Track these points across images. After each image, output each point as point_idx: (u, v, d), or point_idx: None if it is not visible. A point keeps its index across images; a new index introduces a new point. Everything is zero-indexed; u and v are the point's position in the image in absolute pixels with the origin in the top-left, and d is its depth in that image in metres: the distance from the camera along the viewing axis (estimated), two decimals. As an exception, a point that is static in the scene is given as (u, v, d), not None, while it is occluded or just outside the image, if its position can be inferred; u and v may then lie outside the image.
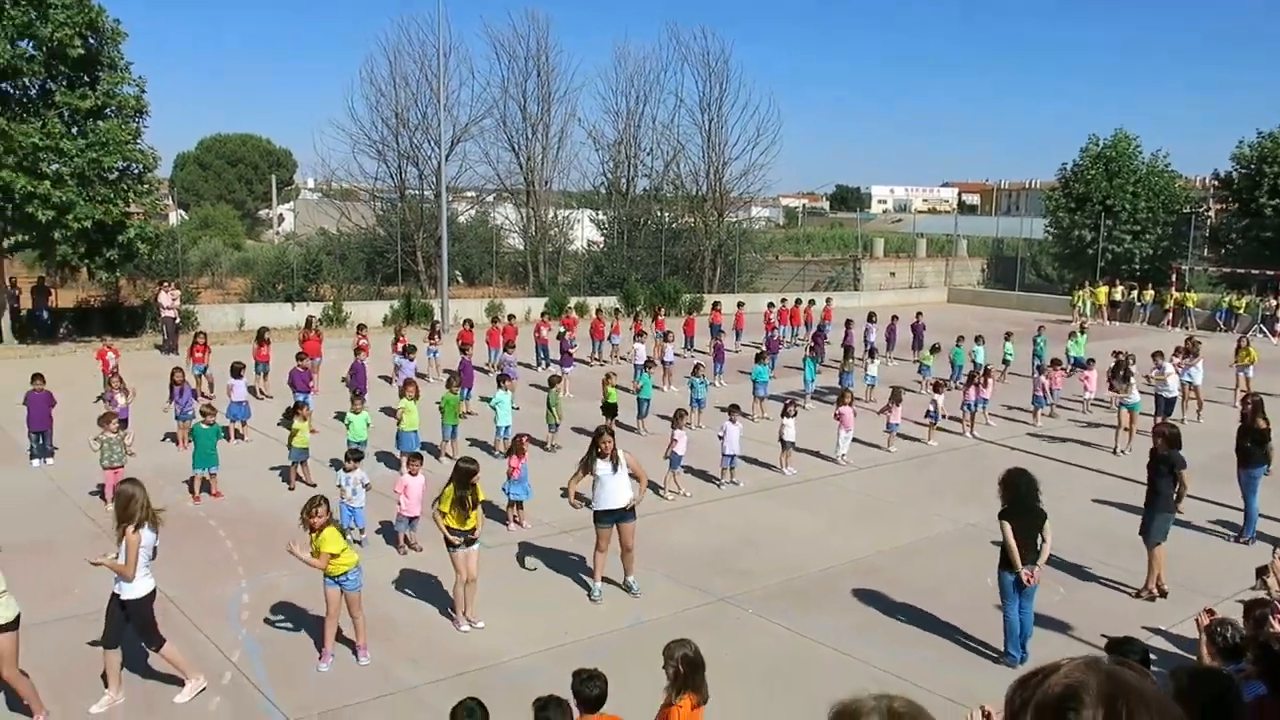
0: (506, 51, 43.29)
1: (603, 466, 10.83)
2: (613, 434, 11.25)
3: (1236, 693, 4.32)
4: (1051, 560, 12.18)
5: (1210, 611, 7.40)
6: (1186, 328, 36.93)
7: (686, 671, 6.05)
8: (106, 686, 8.37)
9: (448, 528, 10.01)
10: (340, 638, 9.38)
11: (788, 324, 31.33)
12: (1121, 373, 19.25)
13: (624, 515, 10.91)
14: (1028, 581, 9.40)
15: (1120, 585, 11.81)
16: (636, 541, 11.14)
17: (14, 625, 7.71)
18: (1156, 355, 19.99)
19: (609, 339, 27.53)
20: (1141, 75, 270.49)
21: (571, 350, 23.65)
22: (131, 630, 8.42)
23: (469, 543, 10.08)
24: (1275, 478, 14.14)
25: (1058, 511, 10.19)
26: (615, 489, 10.83)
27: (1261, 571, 8.64)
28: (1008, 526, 9.41)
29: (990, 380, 20.56)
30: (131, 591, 8.24)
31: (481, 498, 10.29)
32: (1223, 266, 42.17)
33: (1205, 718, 3.95)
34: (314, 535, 8.98)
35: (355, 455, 12.51)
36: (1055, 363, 22.19)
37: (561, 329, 25.30)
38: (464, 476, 10.06)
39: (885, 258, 54.64)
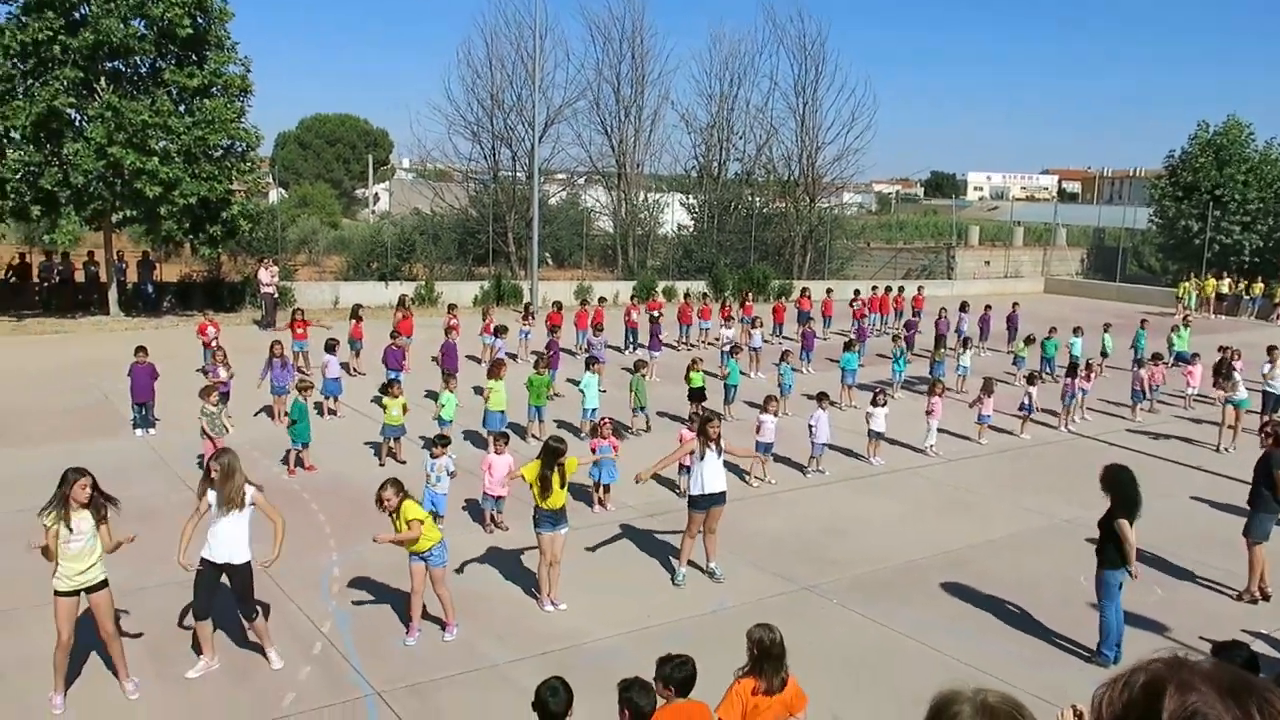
0: (602, 33, 43.46)
1: (710, 451, 10.84)
2: (721, 418, 11.17)
3: None
4: (1148, 559, 11.86)
5: None
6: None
7: (757, 655, 6.05)
8: (200, 654, 8.64)
9: (536, 507, 10.11)
10: (426, 614, 9.55)
11: (877, 312, 30.91)
12: (1225, 369, 18.57)
13: (719, 499, 10.92)
14: (1135, 578, 9.20)
15: (1220, 586, 11.42)
16: (721, 526, 11.14)
17: (105, 585, 8.00)
18: (1272, 349, 19.26)
19: (697, 323, 27.49)
20: (1256, 60, 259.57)
21: (661, 335, 23.67)
22: (231, 597, 8.67)
23: (554, 524, 10.11)
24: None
25: (1155, 510, 9.88)
26: (717, 473, 10.85)
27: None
28: (1125, 524, 9.15)
29: (1091, 373, 19.98)
30: (243, 557, 8.53)
31: (571, 472, 10.33)
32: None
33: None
34: (394, 516, 9.10)
35: (442, 441, 12.58)
36: (1156, 357, 21.49)
37: (654, 313, 25.29)
38: (551, 455, 10.10)
39: (980, 246, 53.42)
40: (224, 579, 8.59)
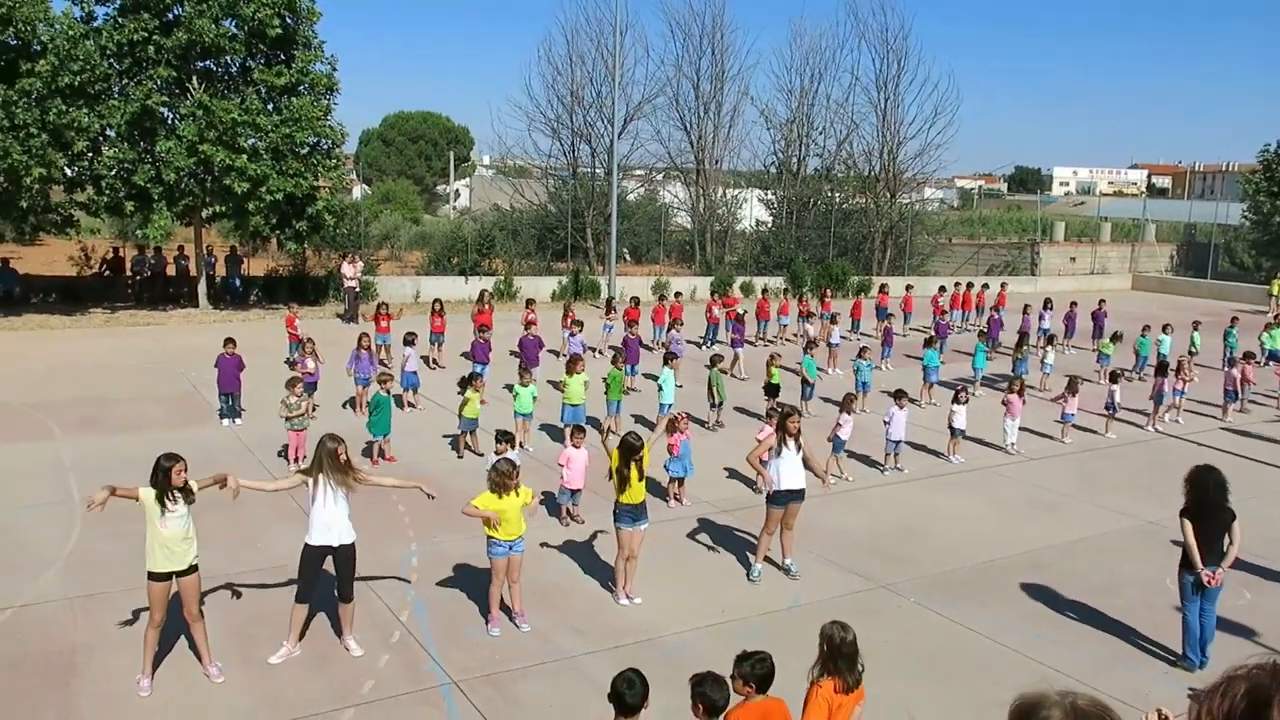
0: (681, 29, 43.49)
1: (789, 446, 10.80)
2: (801, 414, 11.27)
3: None
4: (1238, 563, 11.50)
5: None
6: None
7: (828, 652, 6.00)
8: (285, 640, 8.86)
9: (616, 502, 10.20)
10: (501, 605, 9.66)
11: (959, 308, 30.43)
12: None
13: (798, 496, 10.88)
14: (1208, 583, 8.91)
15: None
16: (798, 523, 11.09)
17: (194, 569, 8.26)
18: None
19: (776, 319, 27.35)
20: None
21: (743, 332, 23.59)
22: (330, 581, 8.92)
23: (634, 519, 10.15)
24: None
25: (1246, 511, 9.58)
26: (795, 469, 10.81)
27: None
28: (1188, 525, 8.94)
29: (1183, 371, 19.38)
30: (352, 536, 8.88)
31: (646, 465, 10.37)
32: None
33: None
34: (515, 493, 9.33)
35: (505, 436, 12.62)
36: (1248, 355, 20.82)
37: (742, 309, 25.22)
38: (628, 452, 10.15)
39: (1065, 242, 52.23)
40: (328, 564, 8.83)
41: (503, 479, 9.23)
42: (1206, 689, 1.50)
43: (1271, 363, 22.07)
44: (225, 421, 16.75)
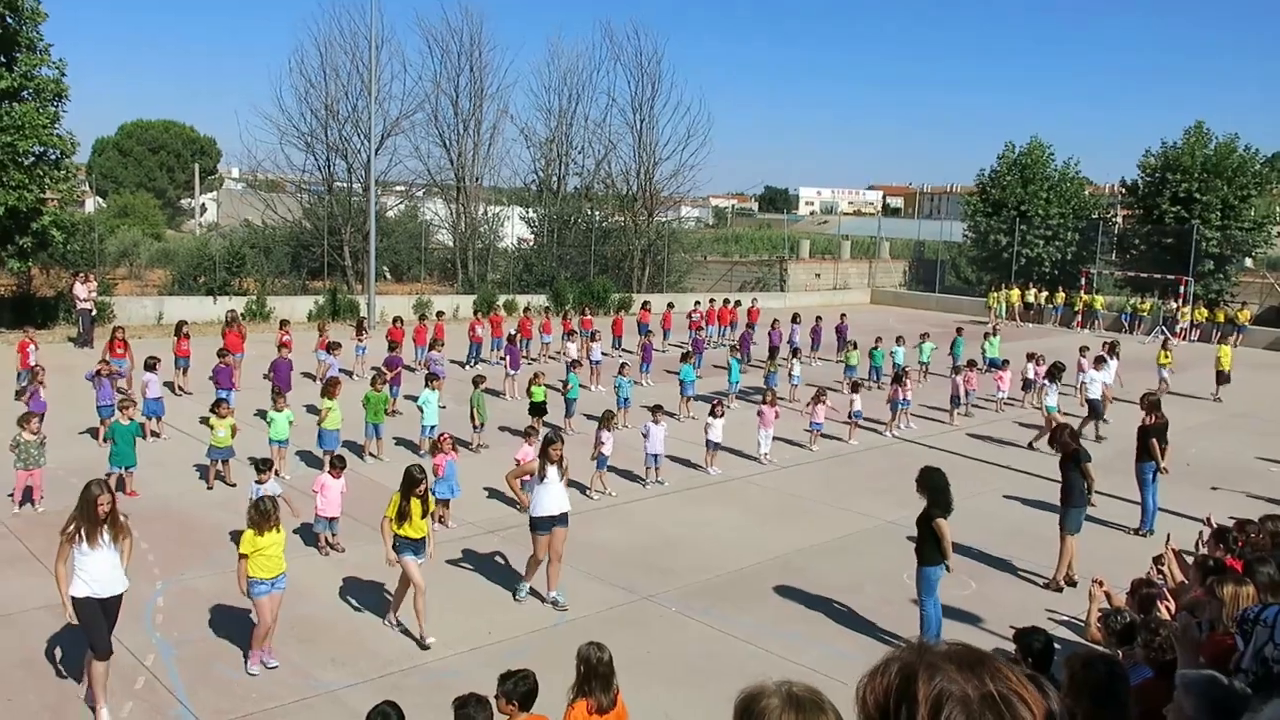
0: (440, 45, 43.02)
1: (551, 473, 10.77)
2: (562, 440, 11.28)
3: (1124, 677, 4.58)
4: (962, 553, 12.58)
5: (1099, 582, 7.76)
6: (1094, 329, 38.27)
7: (584, 673, 6.15)
8: (97, 704, 8.19)
9: (395, 535, 9.89)
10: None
11: (715, 324, 31.60)
12: (1056, 373, 20.00)
13: (562, 520, 10.86)
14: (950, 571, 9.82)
15: (1030, 577, 12.23)
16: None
17: None
18: (1098, 359, 21.20)
19: (540, 337, 27.48)
20: (1056, 85, 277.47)
21: (520, 354, 23.42)
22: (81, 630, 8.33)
23: (416, 551, 9.94)
24: (1174, 473, 14.71)
25: (972, 508, 10.51)
26: (558, 495, 10.81)
27: (1158, 560, 9.05)
28: (944, 523, 9.71)
29: (909, 381, 20.86)
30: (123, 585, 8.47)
31: (432, 507, 10.26)
32: (1128, 270, 43.58)
33: (1095, 701, 4.19)
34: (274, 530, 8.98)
35: (265, 464, 12.23)
36: (971, 363, 22.75)
37: (513, 331, 25.00)
38: (411, 484, 9.94)
39: (811, 259, 55.30)
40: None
41: (263, 518, 8.90)
42: (868, 671, 1.73)
43: (991, 369, 24.11)
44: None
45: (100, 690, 8.10)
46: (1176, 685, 4.14)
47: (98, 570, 8.12)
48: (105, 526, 8.20)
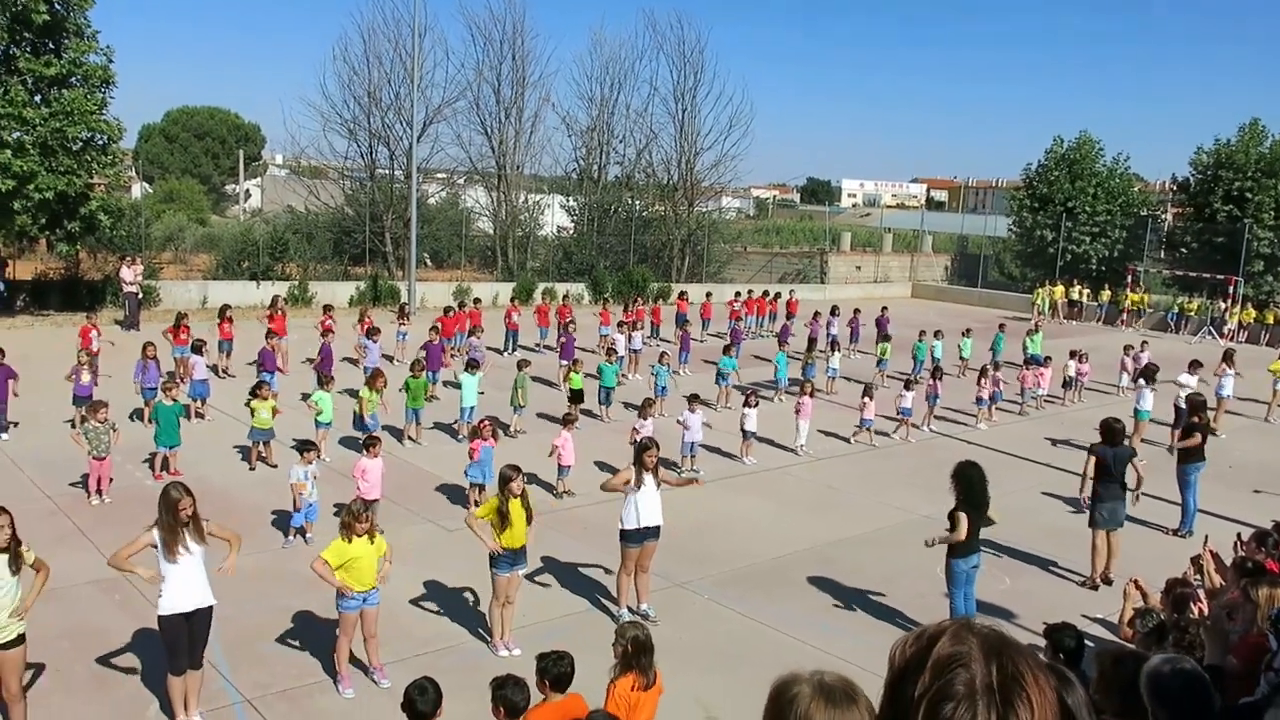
0: (482, 34, 43.20)
1: (647, 481, 10.20)
2: (658, 446, 10.63)
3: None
4: (999, 550, 12.53)
5: (1136, 581, 7.71)
6: (1138, 328, 37.81)
7: (633, 651, 6.23)
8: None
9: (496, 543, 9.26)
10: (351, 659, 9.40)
11: (753, 314, 31.54)
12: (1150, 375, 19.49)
13: (654, 534, 10.27)
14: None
15: (1066, 574, 12.15)
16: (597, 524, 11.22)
17: (19, 642, 7.34)
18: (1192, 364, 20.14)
19: (598, 329, 27.16)
20: (1109, 78, 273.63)
21: (574, 343, 23.21)
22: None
23: (513, 563, 9.37)
24: (1216, 475, 14.52)
25: (1010, 504, 10.46)
26: (653, 504, 10.20)
27: (1195, 560, 8.96)
28: (962, 517, 9.67)
29: (942, 377, 20.70)
30: (210, 599, 7.96)
31: (531, 507, 9.55)
32: (1175, 269, 42.93)
33: (1125, 700, 4.17)
34: (365, 538, 8.47)
35: (307, 445, 12.30)
36: (1033, 360, 22.71)
37: (570, 320, 24.93)
38: (504, 481, 9.31)
39: (852, 252, 55.03)
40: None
41: (354, 519, 8.35)
42: (911, 634, 1.80)
43: (1033, 365, 23.86)
44: (-9, 437, 15.56)
45: (178, 703, 7.81)
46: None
47: (181, 580, 7.66)
48: (187, 531, 7.70)
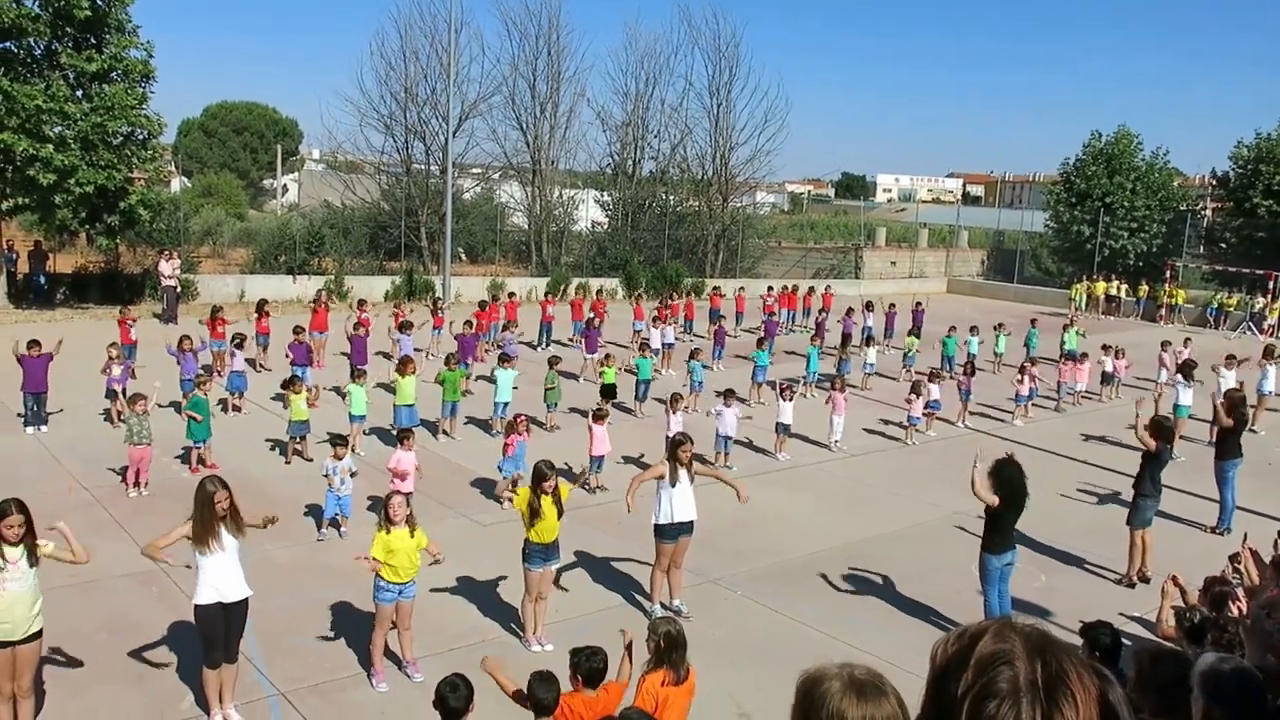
0: (518, 29, 43.30)
1: (682, 476, 10.15)
2: (691, 441, 10.61)
3: (1254, 680, 4.44)
4: (1035, 547, 12.40)
5: (1174, 579, 7.60)
6: (1176, 323, 37.30)
7: (666, 646, 6.21)
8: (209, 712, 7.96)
9: (527, 541, 9.31)
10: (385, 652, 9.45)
11: (786, 308, 31.39)
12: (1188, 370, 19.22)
13: (687, 529, 10.25)
14: None
15: (1103, 572, 12.00)
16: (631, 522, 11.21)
17: (36, 636, 7.26)
18: (1228, 359, 20.02)
19: (632, 324, 27.15)
20: (1146, 72, 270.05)
21: (598, 338, 23.24)
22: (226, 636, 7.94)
23: (545, 558, 9.38)
24: (1255, 472, 14.29)
25: (1046, 501, 10.35)
26: (687, 500, 10.17)
27: (1234, 558, 8.81)
28: (995, 501, 9.60)
29: (974, 372, 20.52)
30: (245, 591, 8.01)
31: (565, 496, 9.59)
32: (1215, 264, 42.26)
33: (1163, 699, 4.10)
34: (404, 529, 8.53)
35: (341, 440, 12.42)
36: (1070, 356, 22.47)
37: (591, 314, 25.00)
38: (538, 480, 9.33)
39: (887, 247, 54.57)
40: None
41: (392, 511, 8.44)
42: (953, 633, 1.79)
43: (1068, 361, 23.56)
44: (30, 429, 15.77)
45: (213, 697, 7.83)
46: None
47: (217, 571, 7.67)
48: (224, 524, 7.73)
